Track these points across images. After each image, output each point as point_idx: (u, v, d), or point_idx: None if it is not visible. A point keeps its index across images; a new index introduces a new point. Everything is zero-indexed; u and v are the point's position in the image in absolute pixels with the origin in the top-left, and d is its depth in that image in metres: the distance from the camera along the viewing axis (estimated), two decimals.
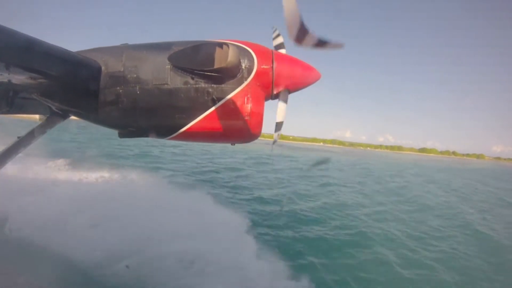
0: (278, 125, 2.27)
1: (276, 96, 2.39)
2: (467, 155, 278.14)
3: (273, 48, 2.59)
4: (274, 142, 2.32)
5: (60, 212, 7.74)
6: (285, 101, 2.33)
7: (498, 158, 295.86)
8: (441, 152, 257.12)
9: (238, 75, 2.21)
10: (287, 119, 2.30)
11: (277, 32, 2.71)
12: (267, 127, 2.36)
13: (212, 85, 2.17)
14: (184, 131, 2.26)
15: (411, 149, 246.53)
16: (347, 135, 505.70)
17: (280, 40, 2.66)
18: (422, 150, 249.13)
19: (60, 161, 14.00)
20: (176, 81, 2.16)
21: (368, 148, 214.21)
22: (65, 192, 9.55)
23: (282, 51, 2.59)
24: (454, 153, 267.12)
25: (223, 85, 2.18)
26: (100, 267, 6.16)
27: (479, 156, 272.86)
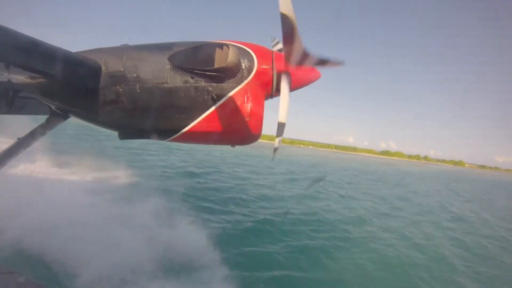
0: (280, 127, 1.97)
1: (276, 95, 2.32)
2: (443, 161, 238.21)
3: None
4: (276, 150, 2.08)
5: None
6: (287, 85, 2.14)
7: (483, 166, 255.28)
8: (409, 156, 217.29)
9: (238, 74, 2.15)
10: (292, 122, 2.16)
11: (276, 41, 2.65)
12: (266, 129, 2.26)
13: (212, 84, 2.11)
14: (185, 132, 2.17)
15: (370, 151, 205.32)
16: (350, 140, 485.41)
17: (280, 46, 2.52)
18: (384, 153, 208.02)
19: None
20: (176, 80, 2.10)
21: (310, 146, 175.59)
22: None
23: None
24: (426, 157, 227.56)
25: (223, 84, 2.12)
26: None
27: (456, 163, 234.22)
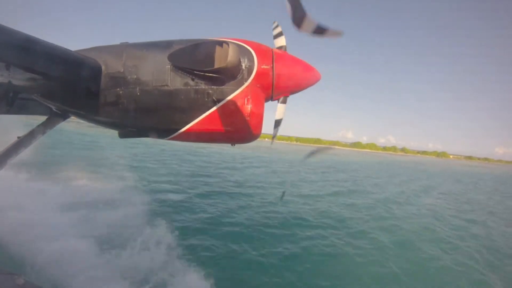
0: (277, 122, 2.31)
1: (276, 97, 2.39)
2: (424, 152, 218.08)
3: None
4: (273, 137, 2.37)
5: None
6: (285, 102, 2.36)
7: (469, 157, 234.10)
8: (384, 148, 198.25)
9: (238, 76, 2.16)
10: (288, 119, 2.15)
11: (278, 29, 2.50)
12: (266, 128, 2.37)
13: (212, 86, 2.12)
14: (184, 132, 2.20)
15: (336, 143, 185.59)
16: (349, 136, 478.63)
17: (281, 42, 2.47)
18: (354, 144, 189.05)
19: None
20: (176, 82, 2.11)
21: (266, 138, 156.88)
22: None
23: None
24: (404, 149, 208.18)
25: (223, 87, 2.13)
26: None
27: (439, 154, 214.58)
